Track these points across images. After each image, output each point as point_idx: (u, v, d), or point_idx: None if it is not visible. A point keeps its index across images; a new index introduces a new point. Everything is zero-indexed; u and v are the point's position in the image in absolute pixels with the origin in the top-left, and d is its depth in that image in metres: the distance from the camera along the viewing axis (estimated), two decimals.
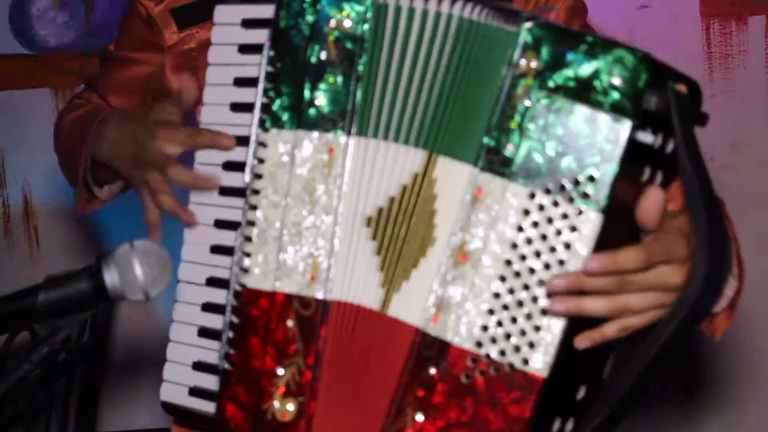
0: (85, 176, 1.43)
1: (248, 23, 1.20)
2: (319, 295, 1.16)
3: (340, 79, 1.15)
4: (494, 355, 1.06)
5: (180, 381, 1.26)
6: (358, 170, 1.16)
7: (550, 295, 1.03)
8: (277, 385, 1.19)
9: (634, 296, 1.02)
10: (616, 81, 1.01)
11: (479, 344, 1.06)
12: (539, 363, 1.03)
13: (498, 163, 1.07)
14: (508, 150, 1.06)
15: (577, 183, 1.02)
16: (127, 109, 1.50)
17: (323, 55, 1.15)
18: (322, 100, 1.16)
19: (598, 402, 1.11)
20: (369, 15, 1.13)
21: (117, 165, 1.35)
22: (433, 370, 1.09)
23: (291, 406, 1.18)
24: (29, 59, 3.07)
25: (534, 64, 1.05)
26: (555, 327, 1.04)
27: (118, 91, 1.55)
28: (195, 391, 1.23)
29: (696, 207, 1.04)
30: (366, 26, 1.13)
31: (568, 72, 1.03)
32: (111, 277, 1.12)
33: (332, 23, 1.14)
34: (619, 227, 1.06)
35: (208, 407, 1.23)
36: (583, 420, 1.10)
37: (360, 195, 1.16)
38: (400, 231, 1.14)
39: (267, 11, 1.19)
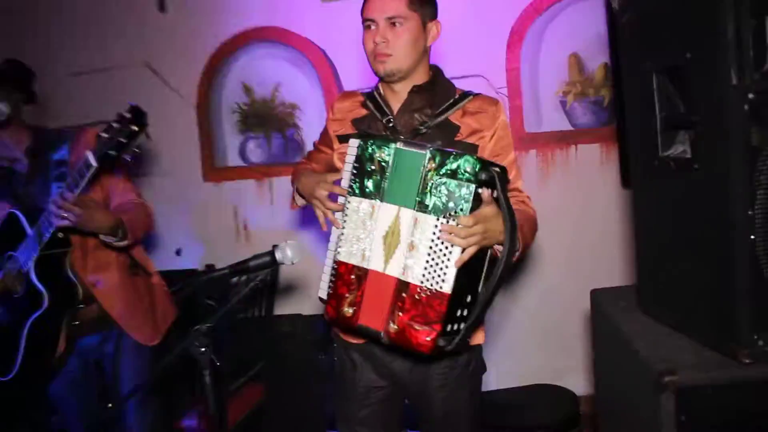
0: (294, 195, 1.90)
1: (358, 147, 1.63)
2: (365, 266, 1.59)
3: (378, 177, 1.57)
4: (427, 285, 1.44)
5: (324, 288, 1.66)
6: (382, 216, 1.56)
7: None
8: (346, 301, 1.59)
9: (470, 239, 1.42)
10: (468, 169, 1.38)
11: (421, 281, 1.46)
12: (447, 286, 1.43)
13: (423, 207, 1.46)
14: (427, 201, 1.44)
15: (456, 213, 1.42)
16: (316, 171, 1.89)
17: (373, 167, 1.59)
18: (370, 185, 1.58)
19: (481, 300, 1.44)
20: (392, 152, 1.57)
21: (303, 194, 1.83)
22: (404, 295, 1.48)
23: (350, 310, 1.59)
24: (245, 168, 3.61)
25: (433, 165, 1.43)
26: (451, 271, 1.42)
27: (315, 162, 1.97)
28: (328, 294, 1.65)
29: (507, 216, 1.47)
30: (391, 156, 1.57)
31: (448, 167, 1.40)
32: (278, 255, 1.62)
33: (377, 154, 1.58)
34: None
35: None
36: (470, 312, 1.46)
37: (381, 225, 1.57)
38: (392, 240, 1.52)
39: None
